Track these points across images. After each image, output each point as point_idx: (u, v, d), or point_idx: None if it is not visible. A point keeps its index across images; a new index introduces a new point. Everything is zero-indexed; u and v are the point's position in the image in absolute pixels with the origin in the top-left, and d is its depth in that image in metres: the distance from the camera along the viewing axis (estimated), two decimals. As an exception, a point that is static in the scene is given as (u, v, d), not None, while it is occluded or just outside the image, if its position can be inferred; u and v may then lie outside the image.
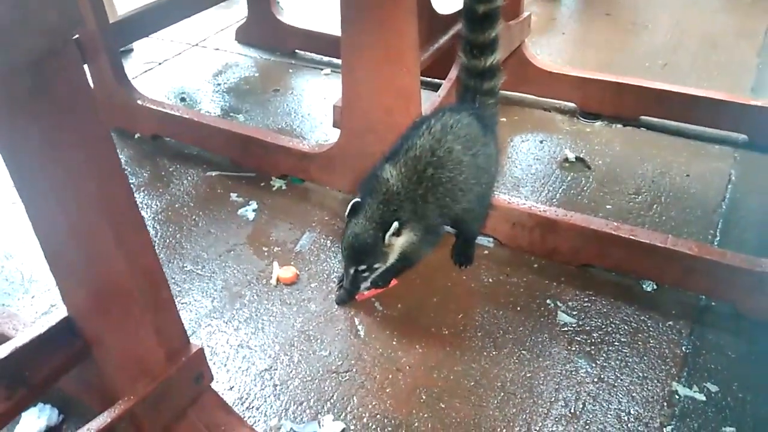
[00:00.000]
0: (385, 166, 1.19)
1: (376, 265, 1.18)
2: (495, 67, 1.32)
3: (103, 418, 0.75)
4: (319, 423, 1.04)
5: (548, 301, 1.25)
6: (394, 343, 1.18)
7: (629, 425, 1.02)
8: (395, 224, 1.13)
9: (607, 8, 2.65)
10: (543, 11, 2.58)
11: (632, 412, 1.04)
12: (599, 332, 1.19)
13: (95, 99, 0.63)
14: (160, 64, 2.30)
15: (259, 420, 1.05)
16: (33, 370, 0.84)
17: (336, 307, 1.26)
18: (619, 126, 1.82)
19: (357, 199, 1.18)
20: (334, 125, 1.50)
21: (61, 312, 0.87)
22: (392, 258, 1.19)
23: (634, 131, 1.80)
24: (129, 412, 0.75)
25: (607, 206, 1.51)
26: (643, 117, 1.82)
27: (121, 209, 0.69)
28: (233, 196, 1.59)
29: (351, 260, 1.17)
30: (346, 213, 1.18)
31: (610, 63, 2.17)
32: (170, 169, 1.71)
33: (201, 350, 0.85)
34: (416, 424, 1.03)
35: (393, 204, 1.15)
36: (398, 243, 1.17)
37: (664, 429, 1.01)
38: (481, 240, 1.40)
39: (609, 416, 1.03)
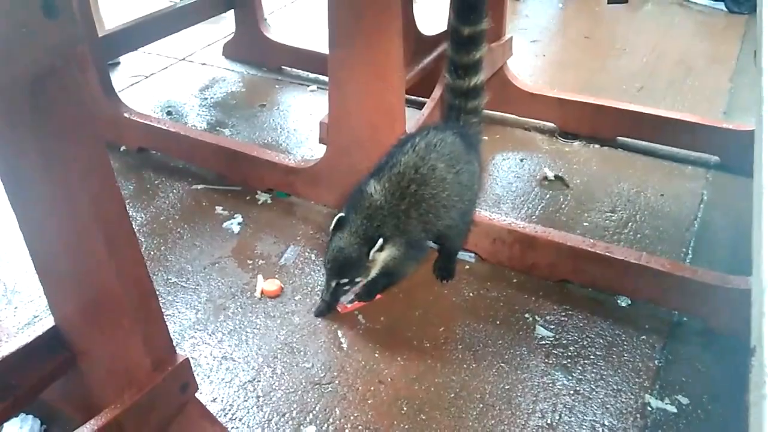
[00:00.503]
0: (369, 181, 1.22)
1: (357, 279, 1.20)
2: (479, 87, 1.36)
3: (90, 426, 0.76)
4: (301, 434, 1.05)
5: (527, 315, 1.29)
6: (377, 355, 1.20)
7: (603, 436, 1.05)
8: (380, 240, 1.16)
9: (587, 32, 2.73)
10: (525, 34, 2.65)
11: (606, 423, 1.07)
12: (575, 346, 1.22)
13: (93, 115, 0.65)
14: (146, 77, 2.32)
15: (242, 431, 1.06)
16: (20, 379, 0.85)
17: (319, 319, 1.28)
18: (596, 146, 1.88)
19: (341, 214, 1.20)
20: (321, 141, 1.53)
21: (47, 322, 0.88)
22: (374, 272, 1.21)
23: (611, 151, 1.86)
24: (116, 421, 0.76)
25: (584, 223, 1.55)
26: (620, 138, 1.88)
27: (114, 222, 0.71)
28: (218, 209, 1.61)
29: (333, 273, 1.19)
30: (331, 227, 1.21)
31: (589, 85, 2.23)
32: (156, 182, 1.72)
33: (187, 360, 0.86)
34: (397, 435, 1.05)
35: (376, 219, 1.18)
36: (381, 258, 1.20)
37: (637, 440, 1.05)
38: (463, 255, 1.43)
39: (584, 427, 1.06)
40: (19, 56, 0.55)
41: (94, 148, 0.67)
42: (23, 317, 1.30)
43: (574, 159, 1.82)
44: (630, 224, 1.55)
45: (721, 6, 2.91)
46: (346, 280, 1.19)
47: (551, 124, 1.95)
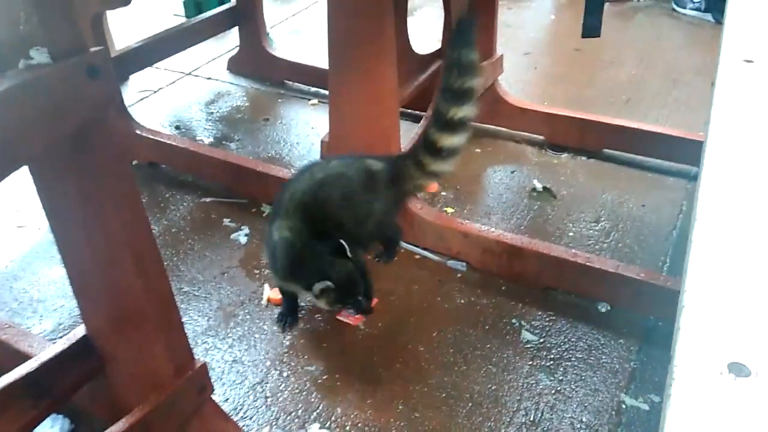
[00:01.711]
0: (277, 223, 1.30)
1: None
2: (452, 150, 1.33)
3: (121, 425, 0.86)
4: (306, 431, 1.16)
5: (514, 321, 1.39)
6: (375, 359, 1.30)
7: (580, 430, 1.15)
8: (342, 242, 1.25)
9: (577, 44, 2.83)
10: (518, 46, 2.75)
11: (584, 420, 1.17)
12: (558, 349, 1.32)
13: (126, 156, 0.75)
14: (155, 92, 2.42)
15: (252, 428, 1.16)
16: (55, 383, 0.95)
17: (322, 325, 1.39)
18: (583, 158, 1.98)
19: (322, 286, 1.23)
20: (321, 158, 1.63)
21: (79, 331, 0.99)
22: None
23: (597, 163, 1.96)
24: (143, 419, 0.87)
25: (570, 233, 1.65)
26: (606, 150, 1.98)
27: (142, 244, 0.81)
28: (226, 221, 1.71)
29: (360, 290, 1.29)
30: (319, 297, 1.26)
31: (578, 98, 2.33)
32: (167, 195, 1.82)
33: (204, 365, 0.97)
34: (393, 432, 1.16)
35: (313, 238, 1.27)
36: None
37: (612, 435, 1.15)
38: (455, 264, 1.53)
39: (564, 424, 1.17)
40: (67, 110, 0.65)
41: (126, 184, 0.77)
42: (48, 325, 1.40)
43: (561, 171, 1.92)
44: (612, 234, 1.65)
45: (709, 17, 3.01)
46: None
47: (541, 137, 2.05)
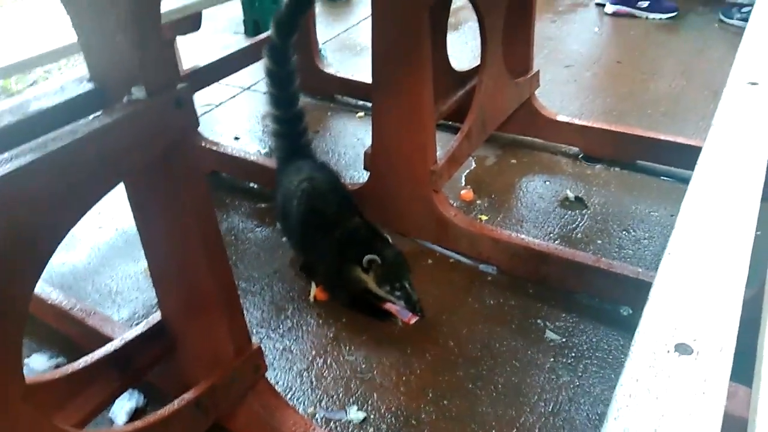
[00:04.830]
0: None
1: None
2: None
3: (191, 393, 1.03)
4: (346, 412, 1.30)
5: (539, 321, 1.50)
6: (409, 351, 1.44)
7: (595, 422, 1.25)
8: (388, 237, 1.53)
9: (619, 56, 2.89)
10: (560, 59, 2.84)
11: (599, 412, 1.27)
12: (580, 348, 1.42)
13: (200, 167, 0.92)
14: (217, 106, 2.64)
15: (298, 407, 1.32)
16: (136, 359, 1.13)
17: (362, 320, 1.53)
18: (617, 169, 2.06)
19: (370, 257, 1.43)
20: (365, 168, 1.79)
21: (155, 317, 1.17)
22: None
23: (630, 174, 2.04)
24: (209, 390, 1.03)
25: (598, 241, 1.74)
26: (639, 162, 2.06)
27: (212, 242, 0.98)
28: (279, 225, 1.89)
29: (406, 275, 1.46)
30: (366, 265, 1.44)
31: (615, 110, 2.41)
32: (227, 201, 2.02)
33: (259, 347, 1.13)
34: (423, 416, 1.29)
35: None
36: None
37: (625, 427, 1.24)
38: (486, 268, 1.65)
39: (580, 415, 1.27)
40: (160, 134, 0.82)
41: (201, 190, 0.94)
42: (125, 313, 1.61)
43: (594, 181, 2.01)
44: (639, 242, 1.73)
45: (755, 28, 3.00)
46: None
47: (575, 149, 2.14)
